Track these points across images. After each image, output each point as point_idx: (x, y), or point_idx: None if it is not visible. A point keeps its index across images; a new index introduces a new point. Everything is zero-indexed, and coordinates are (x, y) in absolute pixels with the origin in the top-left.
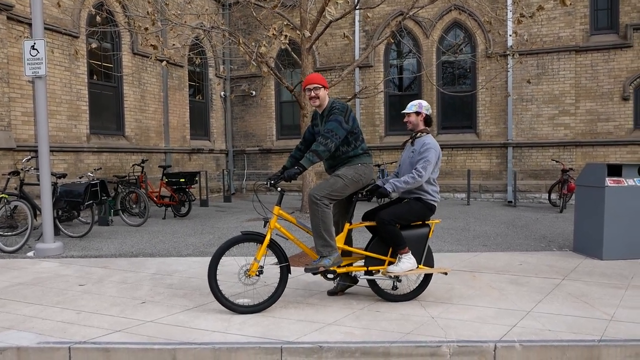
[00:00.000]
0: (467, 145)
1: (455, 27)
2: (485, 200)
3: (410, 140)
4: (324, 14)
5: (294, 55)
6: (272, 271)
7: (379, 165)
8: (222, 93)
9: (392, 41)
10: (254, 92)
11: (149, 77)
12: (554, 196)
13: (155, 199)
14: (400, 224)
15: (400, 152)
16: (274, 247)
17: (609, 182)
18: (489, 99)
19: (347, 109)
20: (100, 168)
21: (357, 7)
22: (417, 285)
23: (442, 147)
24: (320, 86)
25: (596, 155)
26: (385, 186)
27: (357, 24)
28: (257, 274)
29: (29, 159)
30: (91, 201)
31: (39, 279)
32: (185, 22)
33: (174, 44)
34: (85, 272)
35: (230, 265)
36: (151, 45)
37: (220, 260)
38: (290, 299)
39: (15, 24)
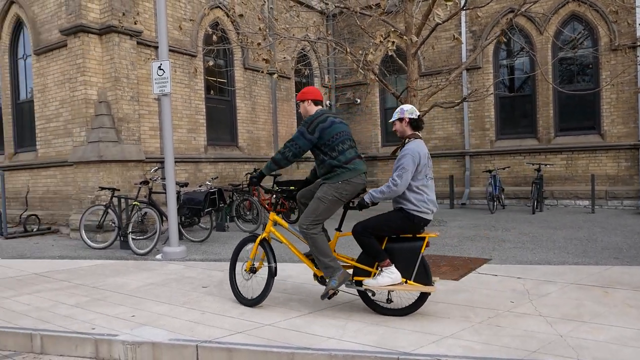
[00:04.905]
0: (590, 148)
1: (573, 20)
2: (613, 208)
3: (400, 146)
4: (429, 17)
5: (399, 61)
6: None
7: (490, 171)
8: (328, 102)
9: (504, 40)
10: (358, 100)
11: (259, 90)
12: None
13: (266, 206)
14: (378, 235)
15: (512, 156)
16: (266, 248)
17: None
18: (615, 96)
19: (311, 122)
20: (217, 177)
21: (464, 8)
22: (414, 300)
23: (560, 150)
24: (299, 103)
25: None
26: (364, 196)
27: (463, 24)
28: (250, 271)
29: (156, 170)
30: (210, 208)
31: (167, 280)
32: (293, 35)
33: (284, 57)
34: (207, 274)
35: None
36: (263, 59)
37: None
38: None
39: (143, 47)
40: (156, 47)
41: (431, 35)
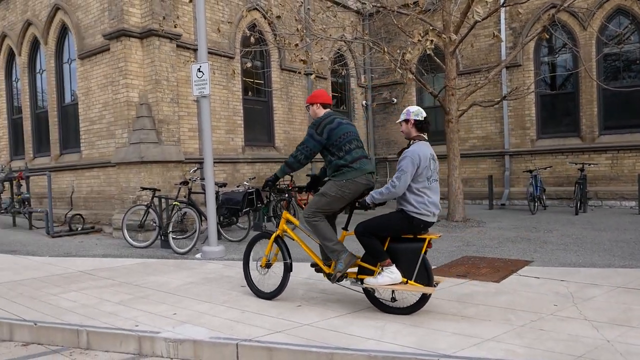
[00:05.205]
0: (637, 147)
1: (619, 14)
2: None
3: (405, 147)
4: (468, 15)
5: (437, 60)
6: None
7: (531, 171)
8: (364, 102)
9: (547, 36)
10: (395, 100)
11: (296, 91)
12: None
13: (303, 206)
14: (379, 235)
15: (554, 156)
16: (280, 245)
17: None
18: None
19: (319, 123)
20: (254, 177)
21: (504, 5)
22: (416, 300)
23: (605, 149)
24: (308, 106)
25: None
26: (366, 197)
27: (502, 21)
28: (266, 266)
29: (195, 170)
30: (248, 208)
31: (207, 279)
32: (330, 35)
33: (322, 58)
34: None
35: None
36: (301, 60)
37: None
38: (444, 310)
39: (183, 50)
40: (195, 50)
41: (469, 33)
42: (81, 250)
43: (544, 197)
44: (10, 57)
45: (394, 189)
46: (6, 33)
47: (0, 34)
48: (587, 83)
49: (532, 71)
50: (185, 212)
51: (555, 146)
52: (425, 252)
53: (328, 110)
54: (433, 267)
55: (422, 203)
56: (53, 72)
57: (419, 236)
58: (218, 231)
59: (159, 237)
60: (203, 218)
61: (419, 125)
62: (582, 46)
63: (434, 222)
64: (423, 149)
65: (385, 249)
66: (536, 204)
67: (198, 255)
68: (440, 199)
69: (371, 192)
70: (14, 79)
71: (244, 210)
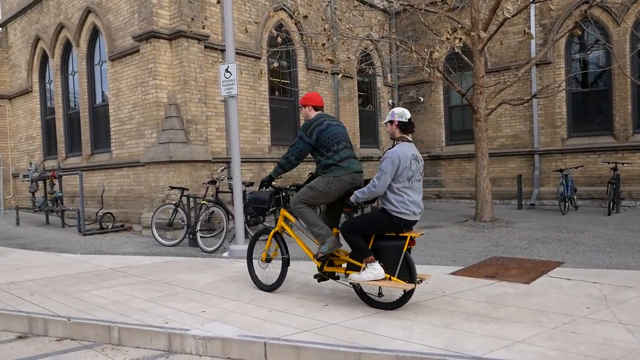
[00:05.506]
0: None
1: None
2: None
3: (389, 148)
4: (496, 12)
5: (465, 58)
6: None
7: (561, 171)
8: (390, 101)
9: (579, 33)
10: (422, 99)
11: (322, 90)
12: None
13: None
14: (364, 234)
15: (586, 155)
16: (278, 241)
17: None
18: None
19: (309, 126)
20: (281, 177)
21: (534, 1)
22: (400, 296)
23: (637, 148)
24: (301, 107)
25: None
26: (350, 197)
27: (532, 18)
28: (266, 260)
29: (223, 169)
30: (275, 207)
31: (234, 277)
32: (356, 34)
33: (348, 57)
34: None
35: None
36: (328, 59)
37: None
38: (473, 311)
39: (210, 51)
40: (222, 50)
41: (498, 30)
42: (112, 248)
43: (575, 197)
44: (44, 60)
45: (374, 189)
46: (40, 36)
47: (34, 37)
48: (620, 80)
49: (563, 68)
50: (212, 211)
51: (586, 145)
52: (408, 250)
53: (319, 112)
54: (461, 267)
55: (402, 202)
56: (85, 73)
57: (400, 234)
58: (245, 230)
59: (187, 235)
60: (230, 217)
61: (403, 126)
62: (615, 42)
63: (415, 221)
64: (404, 150)
65: (370, 246)
66: (567, 204)
67: (225, 254)
68: (468, 198)
69: (355, 192)
70: (47, 80)
71: (270, 210)
